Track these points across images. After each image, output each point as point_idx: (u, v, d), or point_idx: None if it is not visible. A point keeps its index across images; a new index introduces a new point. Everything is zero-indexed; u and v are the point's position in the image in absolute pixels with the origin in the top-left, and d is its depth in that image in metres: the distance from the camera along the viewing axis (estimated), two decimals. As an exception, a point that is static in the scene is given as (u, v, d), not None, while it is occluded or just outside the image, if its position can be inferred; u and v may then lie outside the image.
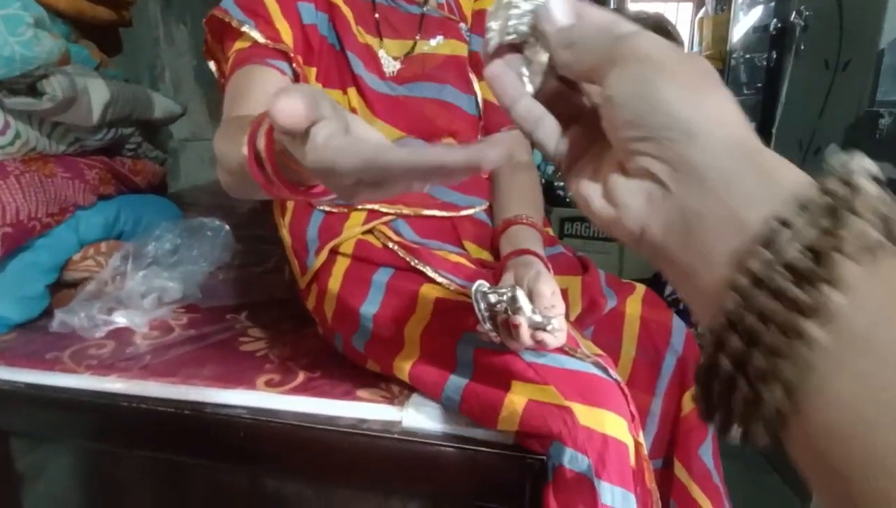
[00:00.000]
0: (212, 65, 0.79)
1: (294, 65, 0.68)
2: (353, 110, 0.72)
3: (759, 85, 2.26)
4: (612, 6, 2.96)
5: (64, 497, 0.83)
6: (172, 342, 0.81)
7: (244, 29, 0.67)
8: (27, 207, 0.82)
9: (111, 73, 1.06)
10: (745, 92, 2.44)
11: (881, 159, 1.51)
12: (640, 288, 0.77)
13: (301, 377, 0.72)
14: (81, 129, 0.91)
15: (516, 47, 0.29)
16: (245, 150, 0.39)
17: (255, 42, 0.67)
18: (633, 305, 0.74)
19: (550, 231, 0.85)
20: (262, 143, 0.37)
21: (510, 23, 0.28)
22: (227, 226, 1.09)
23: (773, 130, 2.08)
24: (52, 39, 0.81)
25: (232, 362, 0.76)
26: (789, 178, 0.20)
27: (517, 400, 0.59)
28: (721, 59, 2.62)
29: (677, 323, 0.74)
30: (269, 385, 0.71)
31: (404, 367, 0.66)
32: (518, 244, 0.69)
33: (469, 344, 0.62)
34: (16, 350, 0.78)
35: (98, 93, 0.90)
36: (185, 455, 0.73)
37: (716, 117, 0.21)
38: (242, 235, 1.17)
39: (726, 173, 0.20)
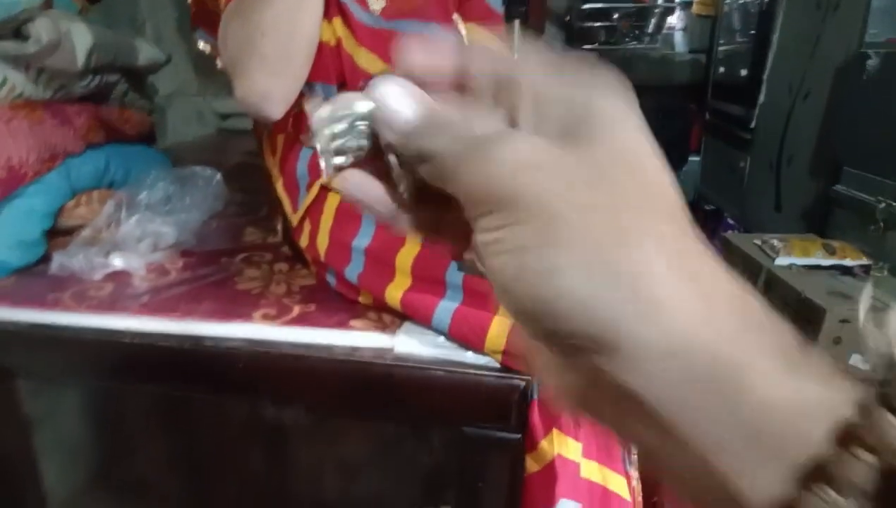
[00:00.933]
0: (199, 42, 0.79)
1: None
2: (339, 39, 0.73)
3: (752, 32, 2.23)
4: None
5: (72, 437, 0.87)
6: (170, 282, 0.83)
7: None
8: (18, 153, 0.82)
9: (93, 18, 1.04)
10: (738, 40, 2.42)
11: (868, 101, 1.52)
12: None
13: (296, 310, 0.75)
14: (67, 75, 0.91)
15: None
16: None
17: None
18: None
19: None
20: None
21: (335, 144, 0.20)
22: (219, 175, 1.10)
23: (764, 77, 2.08)
24: (31, -19, 0.80)
25: (228, 299, 0.78)
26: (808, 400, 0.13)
27: (504, 321, 0.62)
28: (714, 5, 2.58)
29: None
30: (266, 318, 0.73)
31: (396, 295, 0.69)
32: None
33: (459, 270, 0.65)
34: (17, 292, 0.80)
35: (81, 38, 0.89)
36: (187, 387, 0.76)
37: (657, 310, 0.14)
38: (233, 187, 1.18)
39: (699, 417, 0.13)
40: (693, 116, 2.83)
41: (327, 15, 0.73)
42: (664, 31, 2.98)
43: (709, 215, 2.54)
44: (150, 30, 2.03)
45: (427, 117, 0.18)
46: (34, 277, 0.85)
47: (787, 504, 0.13)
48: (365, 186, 0.21)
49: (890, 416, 0.12)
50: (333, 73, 0.72)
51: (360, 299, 0.76)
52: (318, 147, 0.20)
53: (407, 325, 0.71)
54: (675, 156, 2.80)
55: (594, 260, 0.14)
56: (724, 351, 0.13)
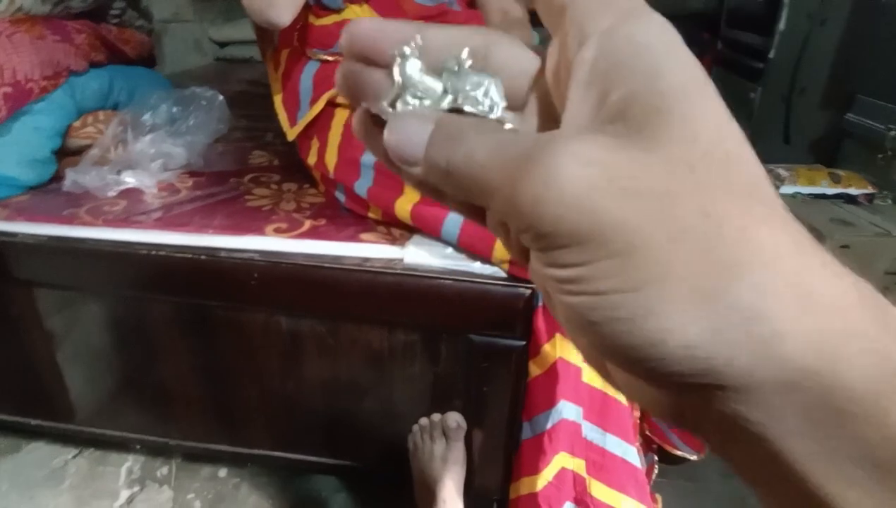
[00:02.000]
0: None
1: None
2: None
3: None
4: None
5: (95, 347, 0.91)
6: (181, 200, 0.85)
7: None
8: (23, 68, 0.82)
9: (86, -71, 1.00)
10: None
11: (887, 26, 1.47)
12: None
13: (307, 225, 0.77)
14: (64, -13, 0.89)
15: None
16: None
17: None
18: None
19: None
20: None
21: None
22: (221, 96, 1.09)
23: (784, 2, 2.00)
24: None
25: (240, 215, 0.80)
26: None
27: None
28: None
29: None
30: (278, 232, 0.75)
31: (405, 208, 0.70)
32: None
33: None
34: (34, 208, 0.82)
35: (76, -53, 0.86)
36: (204, 298, 0.79)
37: (777, 343, 0.12)
38: (237, 114, 1.17)
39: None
40: (706, 46, 2.74)
41: None
42: (680, -46, 2.84)
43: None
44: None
45: (441, 127, 0.15)
46: (49, 194, 0.87)
47: None
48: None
49: None
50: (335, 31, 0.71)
51: (370, 214, 0.77)
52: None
53: (416, 237, 0.73)
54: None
55: (700, 297, 0.12)
56: (849, 381, 0.12)
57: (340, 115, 0.76)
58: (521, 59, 0.18)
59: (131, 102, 1.05)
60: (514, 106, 0.18)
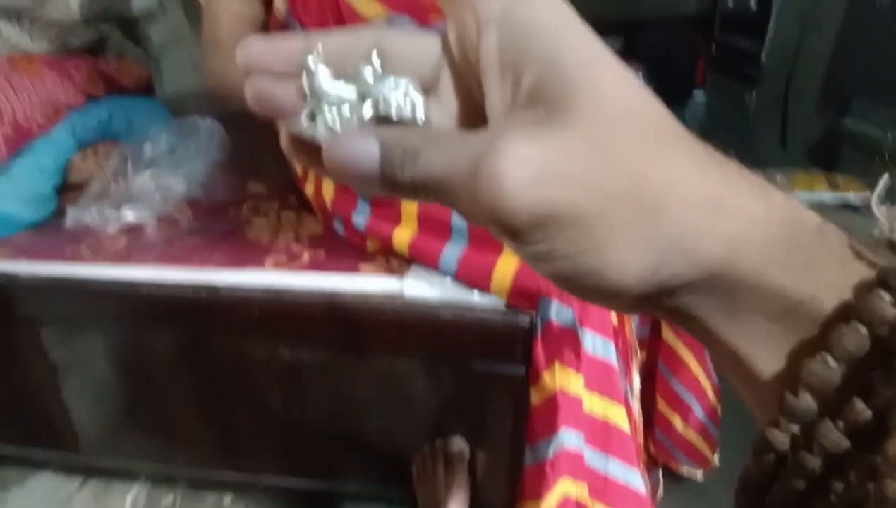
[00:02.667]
0: None
1: None
2: None
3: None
4: None
5: (99, 380, 0.92)
6: (181, 233, 0.86)
7: None
8: (22, 108, 0.83)
9: (81, -35, 1.02)
10: (748, -33, 2.31)
11: (882, 30, 1.48)
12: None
13: (306, 256, 0.77)
14: (62, 26, 0.90)
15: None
16: None
17: None
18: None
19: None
20: None
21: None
22: (220, 125, 1.10)
23: (775, 6, 2.01)
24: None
25: (240, 248, 0.80)
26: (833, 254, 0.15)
27: (509, 260, 0.64)
28: (723, -71, 2.45)
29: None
30: (278, 265, 0.76)
31: (403, 240, 0.71)
32: None
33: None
34: (36, 247, 0.83)
35: (72, -14, 0.87)
36: (205, 332, 0.80)
37: (699, 251, 0.15)
38: (234, 137, 1.18)
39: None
40: (699, 50, 2.75)
41: None
42: (672, -41, 2.85)
43: (713, 153, 2.51)
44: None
45: (390, 148, 0.16)
46: (50, 231, 0.87)
47: (793, 371, 0.15)
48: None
49: (883, 292, 0.14)
50: (332, 19, 0.72)
51: (368, 245, 0.78)
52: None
53: (415, 269, 0.73)
54: (680, 91, 2.74)
55: (641, 238, 0.15)
56: (745, 262, 0.15)
57: (337, 148, 0.76)
58: (417, 47, 0.19)
59: (130, 133, 1.06)
60: (425, 90, 0.19)
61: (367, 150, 0.17)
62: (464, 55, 0.18)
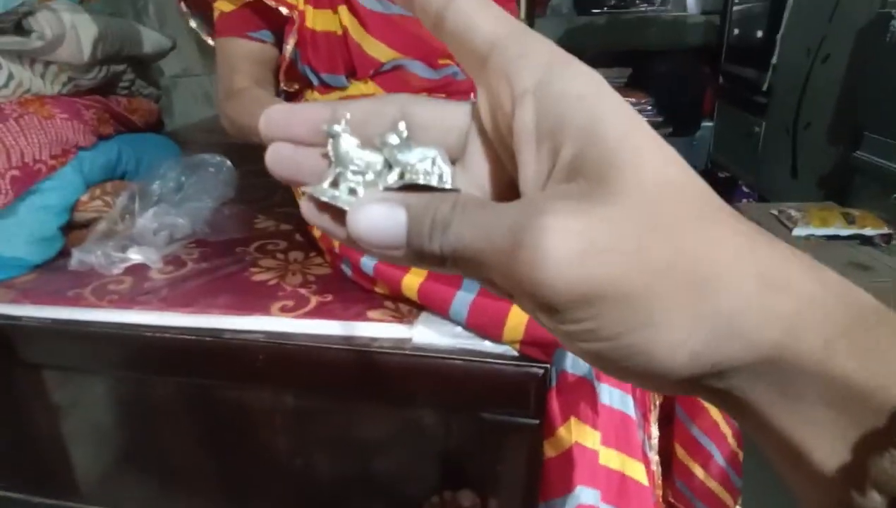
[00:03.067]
0: (195, 27, 0.79)
1: (274, 3, 0.68)
2: (345, 29, 0.71)
3: (768, -8, 2.15)
4: None
5: (100, 424, 0.89)
6: (187, 275, 0.84)
7: None
8: (31, 149, 0.82)
9: (96, 7, 1.03)
10: (752, 0, 2.34)
11: (893, 64, 1.47)
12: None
13: (313, 302, 0.75)
14: (74, 68, 0.90)
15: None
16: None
17: (234, 2, 0.69)
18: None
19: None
20: None
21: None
22: (229, 162, 1.10)
23: (777, 37, 2.01)
24: (32, -27, 0.78)
25: (245, 291, 0.79)
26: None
27: (521, 311, 0.62)
28: (728, -36, 2.48)
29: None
30: (284, 310, 0.74)
31: (413, 286, 0.69)
32: None
33: None
34: (39, 289, 0.82)
35: (86, 29, 0.88)
36: (208, 378, 0.78)
37: (750, 335, 0.14)
38: (243, 171, 1.18)
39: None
40: (706, 80, 2.76)
41: (332, 5, 0.71)
42: (677, -7, 2.88)
43: (722, 183, 2.50)
44: (154, 11, 2.00)
45: (418, 218, 0.16)
46: (54, 273, 0.86)
47: (858, 466, 0.14)
48: (338, 233, 0.18)
49: None
50: (341, 63, 0.71)
51: (377, 289, 0.76)
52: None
53: (424, 315, 0.71)
54: (688, 121, 2.74)
55: (691, 316, 0.14)
56: (804, 345, 0.14)
57: (345, 190, 0.75)
58: (445, 116, 0.19)
59: (139, 170, 1.06)
60: (452, 159, 0.18)
61: (393, 218, 0.16)
62: (495, 125, 0.18)
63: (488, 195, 0.19)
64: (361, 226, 0.16)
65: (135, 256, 0.85)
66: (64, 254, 0.90)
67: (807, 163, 1.97)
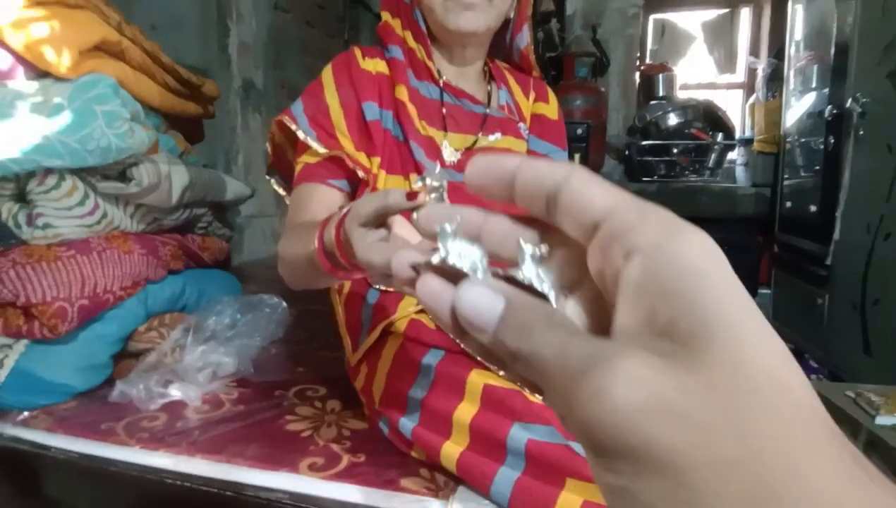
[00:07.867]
0: (273, 183, 0.87)
1: (352, 165, 0.73)
2: None
3: (817, 168, 2.20)
4: (660, 95, 3.03)
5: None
6: (221, 418, 0.82)
7: (307, 140, 0.74)
8: (104, 281, 0.87)
9: (192, 158, 1.15)
10: (803, 174, 2.39)
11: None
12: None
13: (345, 461, 0.70)
14: (160, 210, 0.99)
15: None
16: (315, 244, 0.52)
17: (318, 156, 0.74)
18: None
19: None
20: (331, 235, 0.49)
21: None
22: (285, 303, 1.13)
23: (838, 214, 2.01)
24: (144, 131, 0.90)
25: (277, 442, 0.75)
26: None
27: (572, 499, 0.55)
28: (775, 143, 2.60)
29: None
30: (312, 469, 0.69)
31: (452, 456, 0.63)
32: None
33: (521, 434, 0.59)
34: (74, 419, 0.81)
35: (179, 179, 0.98)
36: (224, 538, 0.71)
37: None
38: (298, 310, 1.20)
39: None
40: (762, 248, 2.74)
41: (404, 172, 0.76)
42: (725, 166, 3.01)
43: (788, 355, 2.34)
44: (242, 159, 2.24)
45: (513, 312, 0.17)
46: (93, 402, 0.86)
47: None
48: (442, 297, 0.19)
49: None
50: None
51: (413, 454, 0.71)
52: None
53: (462, 490, 0.65)
54: (746, 288, 2.68)
55: None
56: None
57: (392, 343, 0.74)
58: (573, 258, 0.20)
59: (200, 302, 1.10)
60: (566, 290, 0.20)
61: (492, 305, 0.17)
62: (602, 276, 0.18)
63: (584, 326, 0.20)
64: (465, 302, 0.17)
65: (175, 393, 0.85)
66: (109, 381, 0.91)
67: (880, 339, 1.84)
